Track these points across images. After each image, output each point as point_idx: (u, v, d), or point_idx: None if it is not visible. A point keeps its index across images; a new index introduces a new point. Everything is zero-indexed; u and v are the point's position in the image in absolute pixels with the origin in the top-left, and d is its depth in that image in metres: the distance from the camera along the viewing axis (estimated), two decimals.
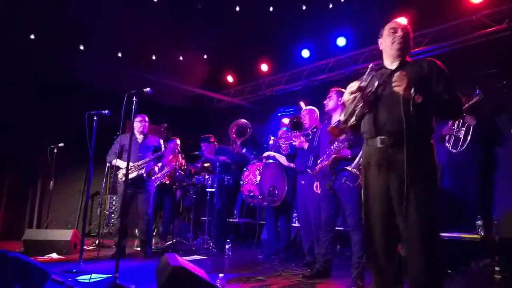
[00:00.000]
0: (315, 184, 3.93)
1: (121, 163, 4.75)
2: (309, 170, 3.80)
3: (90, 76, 6.61)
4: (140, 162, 4.77)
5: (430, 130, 2.14)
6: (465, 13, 4.95)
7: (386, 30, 2.28)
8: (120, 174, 4.77)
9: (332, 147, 3.54)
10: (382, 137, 2.10)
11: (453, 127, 4.65)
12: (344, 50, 6.29)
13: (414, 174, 1.99)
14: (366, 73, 2.26)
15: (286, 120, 5.21)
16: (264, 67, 7.43)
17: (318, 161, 3.64)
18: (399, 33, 2.21)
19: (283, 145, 4.69)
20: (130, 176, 4.66)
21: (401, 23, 2.30)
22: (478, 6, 4.84)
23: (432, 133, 2.14)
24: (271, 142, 4.82)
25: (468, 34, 4.99)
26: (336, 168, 3.55)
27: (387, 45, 2.26)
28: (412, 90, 1.94)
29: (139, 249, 5.04)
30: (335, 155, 3.52)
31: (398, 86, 1.97)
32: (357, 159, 3.30)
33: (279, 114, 7.42)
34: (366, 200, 2.19)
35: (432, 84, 2.09)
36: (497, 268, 3.77)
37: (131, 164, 4.68)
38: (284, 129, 5.13)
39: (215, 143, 5.98)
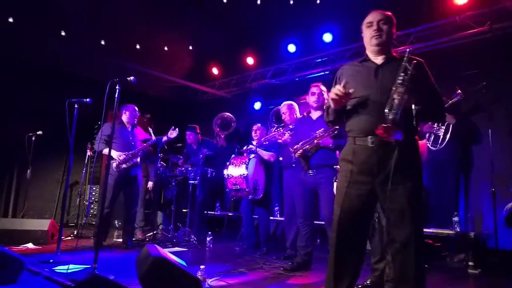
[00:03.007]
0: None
1: (114, 153, 4.64)
2: (290, 148, 3.77)
3: (71, 63, 6.45)
4: (134, 152, 4.74)
5: (415, 130, 2.07)
6: (449, 13, 5.03)
7: (364, 24, 2.17)
8: (114, 164, 4.64)
9: (316, 132, 3.54)
10: (372, 136, 2.00)
11: (434, 126, 4.74)
12: (330, 46, 6.31)
13: (403, 174, 1.95)
14: (342, 72, 2.22)
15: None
16: (250, 61, 7.38)
17: (300, 143, 3.60)
18: (375, 26, 2.10)
19: (266, 143, 4.69)
20: (124, 166, 4.65)
21: (380, 13, 2.14)
22: (461, 8, 4.91)
23: (416, 132, 2.09)
24: (254, 143, 4.83)
25: (451, 35, 5.08)
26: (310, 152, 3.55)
27: (366, 41, 2.17)
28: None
29: (120, 240, 4.97)
30: (317, 141, 3.52)
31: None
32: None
33: (256, 107, 7.41)
34: (343, 201, 2.08)
35: (417, 86, 1.97)
36: (471, 263, 3.89)
37: (124, 154, 4.66)
38: (259, 124, 5.16)
39: (200, 134, 5.94)
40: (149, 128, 4.99)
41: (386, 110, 1.89)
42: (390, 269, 2.07)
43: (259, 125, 5.17)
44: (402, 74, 1.91)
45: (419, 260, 1.93)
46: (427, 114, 2.10)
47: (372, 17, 2.14)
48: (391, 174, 1.92)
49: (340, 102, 2.03)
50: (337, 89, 1.99)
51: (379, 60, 2.14)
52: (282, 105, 4.57)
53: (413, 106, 1.91)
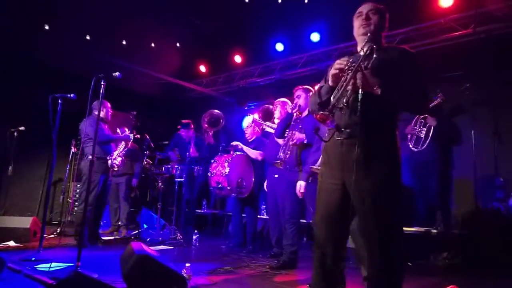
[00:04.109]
0: (299, 184, 3.57)
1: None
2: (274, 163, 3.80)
3: (54, 57, 6.32)
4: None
5: (390, 122, 1.97)
6: (434, 16, 5.11)
7: (354, 15, 2.13)
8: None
9: (286, 135, 3.59)
10: (339, 129, 1.98)
11: (415, 127, 4.82)
12: (318, 45, 6.35)
13: (366, 168, 1.86)
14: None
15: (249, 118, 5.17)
16: (238, 59, 7.37)
17: (280, 153, 3.65)
18: (363, 16, 2.06)
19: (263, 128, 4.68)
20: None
21: (371, 3, 2.10)
22: (446, 10, 5.00)
23: (392, 124, 1.98)
24: (249, 120, 4.81)
25: (436, 37, 5.17)
26: (301, 160, 3.58)
27: (355, 30, 2.12)
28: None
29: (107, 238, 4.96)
30: (292, 143, 3.55)
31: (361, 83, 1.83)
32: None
33: (249, 107, 7.41)
34: (318, 198, 2.07)
35: (399, 76, 1.93)
36: (453, 261, 3.96)
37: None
38: (256, 117, 5.12)
39: (192, 130, 5.87)
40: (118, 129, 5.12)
41: (332, 96, 1.87)
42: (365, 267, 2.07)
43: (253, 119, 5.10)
44: (351, 59, 1.89)
45: (387, 263, 1.83)
46: (401, 105, 1.97)
47: (363, 7, 2.10)
48: (355, 168, 1.84)
49: (338, 77, 1.92)
50: (339, 62, 1.92)
51: (365, 50, 2.05)
52: (276, 101, 4.55)
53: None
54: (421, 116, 4.82)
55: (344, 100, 1.85)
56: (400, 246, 1.87)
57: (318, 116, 1.84)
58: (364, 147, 1.85)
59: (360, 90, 1.81)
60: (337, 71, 1.92)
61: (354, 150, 1.86)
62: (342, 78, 1.87)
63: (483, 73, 4.74)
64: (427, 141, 4.70)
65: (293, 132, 3.58)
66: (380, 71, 1.88)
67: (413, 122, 4.85)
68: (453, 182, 4.87)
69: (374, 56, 1.93)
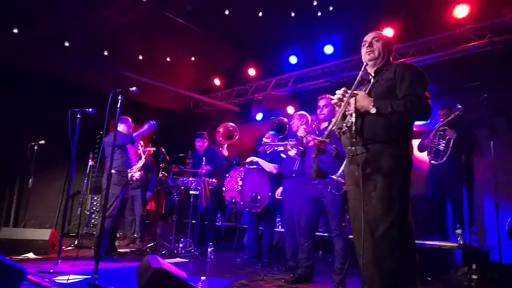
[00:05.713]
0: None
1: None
2: (300, 147, 3.76)
3: (74, 73, 6.50)
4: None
5: (394, 136, 2.06)
6: (449, 27, 5.08)
7: (362, 43, 2.35)
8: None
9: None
10: (348, 147, 2.19)
11: (435, 140, 4.74)
12: (332, 58, 6.36)
13: (368, 183, 2.03)
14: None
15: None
16: (252, 72, 7.44)
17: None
18: (367, 44, 2.29)
19: (274, 148, 4.63)
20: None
21: (375, 32, 2.35)
22: (462, 21, 4.96)
23: (396, 138, 2.07)
24: (266, 140, 4.75)
25: (452, 48, 5.12)
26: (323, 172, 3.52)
27: (362, 57, 2.33)
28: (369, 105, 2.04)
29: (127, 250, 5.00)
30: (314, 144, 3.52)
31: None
32: (342, 167, 3.13)
33: (263, 119, 7.44)
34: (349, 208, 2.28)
35: (396, 89, 2.11)
36: (474, 277, 3.85)
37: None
38: (272, 132, 5.10)
39: (207, 140, 5.87)
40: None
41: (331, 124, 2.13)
42: None
43: (272, 133, 5.05)
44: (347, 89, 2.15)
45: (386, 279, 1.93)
46: (400, 114, 2.02)
47: (367, 36, 2.33)
48: (361, 184, 2.04)
49: (338, 106, 2.21)
50: (337, 92, 2.18)
51: (372, 73, 2.31)
52: (294, 114, 4.52)
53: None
54: (441, 128, 4.74)
55: (344, 124, 2.08)
56: (397, 257, 1.94)
57: (315, 141, 2.08)
58: (364, 165, 2.04)
59: (353, 114, 2.05)
60: (336, 100, 2.17)
61: (358, 168, 2.07)
62: (341, 106, 2.12)
63: (500, 83, 4.67)
64: (447, 154, 4.60)
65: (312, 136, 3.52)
66: (376, 91, 2.12)
67: (432, 134, 4.77)
68: (474, 194, 4.76)
69: (372, 81, 2.19)
